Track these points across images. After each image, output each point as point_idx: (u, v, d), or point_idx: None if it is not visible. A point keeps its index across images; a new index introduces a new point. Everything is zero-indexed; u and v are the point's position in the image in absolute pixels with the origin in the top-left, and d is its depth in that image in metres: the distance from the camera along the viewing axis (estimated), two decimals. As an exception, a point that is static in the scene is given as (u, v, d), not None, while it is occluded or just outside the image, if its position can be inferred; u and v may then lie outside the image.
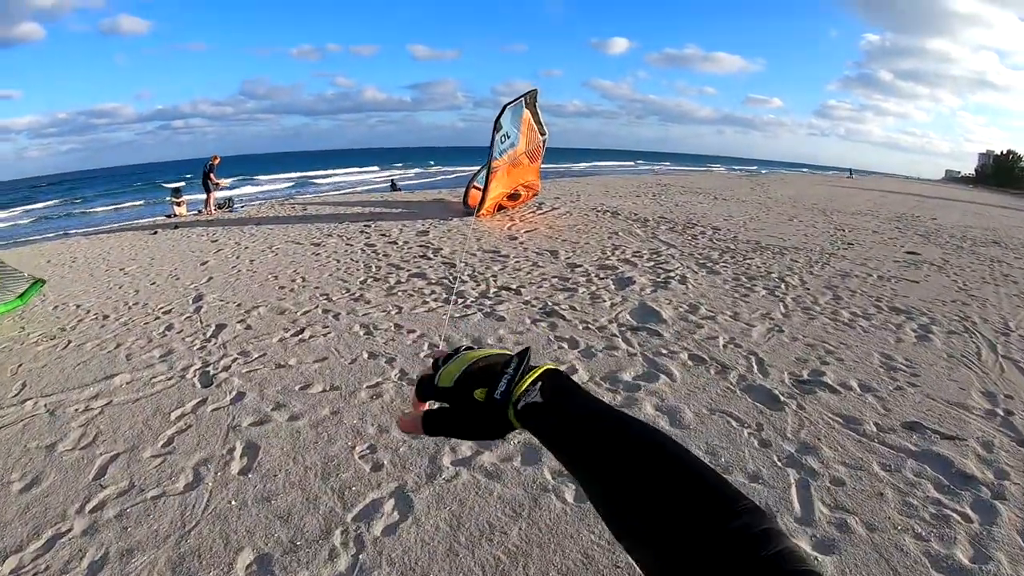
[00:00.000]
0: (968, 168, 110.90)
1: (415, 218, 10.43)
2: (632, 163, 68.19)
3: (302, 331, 4.59)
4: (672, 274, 6.22)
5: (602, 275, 6.06)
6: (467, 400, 0.52)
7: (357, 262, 6.88)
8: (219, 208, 15.56)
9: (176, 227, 11.81)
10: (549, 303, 4.99)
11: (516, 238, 8.17)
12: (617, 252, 7.26)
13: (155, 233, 11.24)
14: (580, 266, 6.44)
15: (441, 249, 7.43)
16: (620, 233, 8.67)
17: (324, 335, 4.45)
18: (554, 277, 5.94)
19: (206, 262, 7.74)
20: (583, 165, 55.04)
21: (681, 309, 5.05)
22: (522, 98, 10.51)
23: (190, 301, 5.85)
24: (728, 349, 4.25)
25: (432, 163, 53.09)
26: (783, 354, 4.25)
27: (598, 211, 11.27)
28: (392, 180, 24.94)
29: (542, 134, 11.14)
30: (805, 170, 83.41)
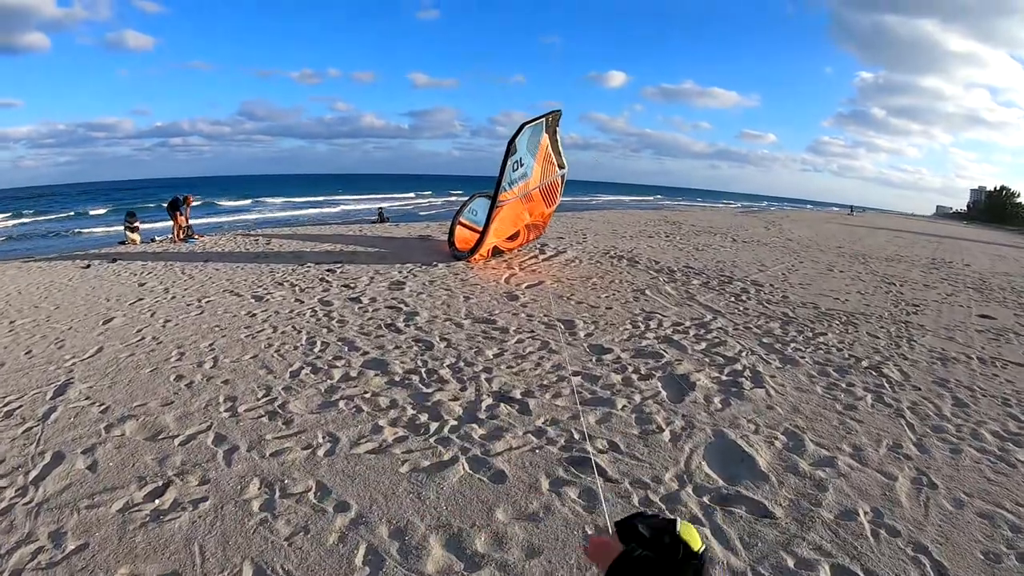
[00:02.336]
0: (959, 204, 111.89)
1: (392, 261, 8.63)
2: (652, 198, 65.66)
3: (165, 489, 2.73)
4: (739, 367, 4.44)
5: (643, 369, 4.24)
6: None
7: (300, 332, 5.03)
8: (186, 233, 13.74)
9: (114, 260, 9.98)
10: (575, 435, 3.16)
11: (517, 297, 6.38)
12: (652, 324, 5.48)
13: (88, 267, 9.40)
14: (609, 351, 4.63)
15: (417, 314, 5.59)
16: (647, 292, 6.90)
17: (194, 505, 2.58)
18: (575, 372, 4.11)
19: (110, 320, 5.88)
20: (604, 198, 52.04)
21: (778, 444, 3.26)
22: (543, 119, 8.75)
23: (49, 395, 4.01)
24: (882, 543, 2.51)
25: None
26: (961, 543, 2.60)
27: (612, 257, 9.53)
28: (380, 209, 23.11)
29: (560, 167, 9.28)
30: (809, 207, 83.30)
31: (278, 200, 40.37)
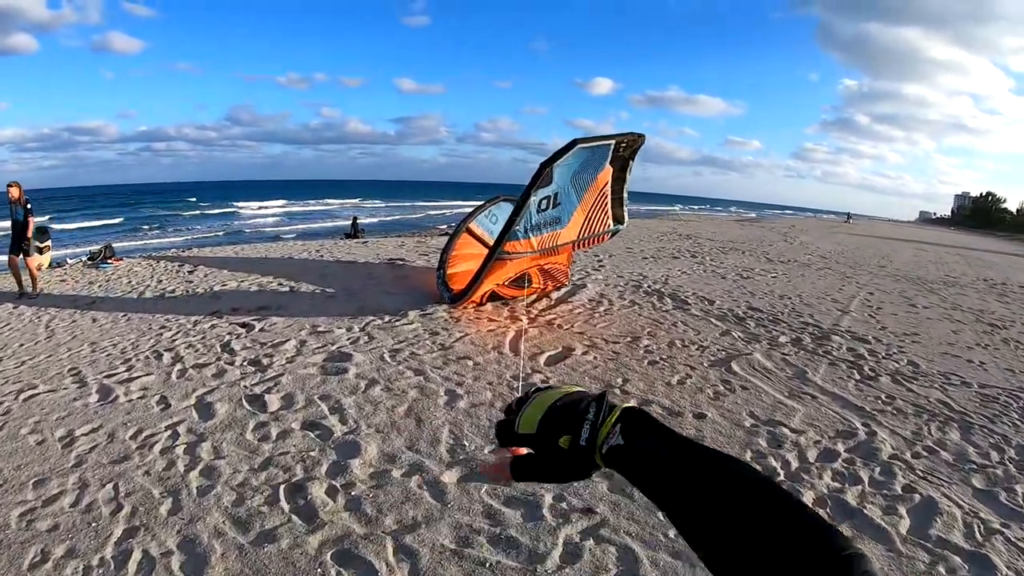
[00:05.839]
0: (942, 209, 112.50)
1: (342, 309, 6.04)
2: (667, 208, 61.72)
3: None
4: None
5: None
6: (552, 447, 0.50)
7: (117, 511, 2.49)
8: (90, 260, 11.15)
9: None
10: None
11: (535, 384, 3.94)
12: (789, 455, 3.05)
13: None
14: None
15: (357, 447, 3.04)
16: (735, 368, 4.45)
17: None
18: None
19: None
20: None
21: None
22: (612, 141, 5.41)
23: None
24: None
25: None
26: None
27: (648, 292, 7.13)
28: (354, 218, 20.40)
29: (617, 221, 6.18)
30: (809, 214, 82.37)
31: (251, 207, 37.66)
